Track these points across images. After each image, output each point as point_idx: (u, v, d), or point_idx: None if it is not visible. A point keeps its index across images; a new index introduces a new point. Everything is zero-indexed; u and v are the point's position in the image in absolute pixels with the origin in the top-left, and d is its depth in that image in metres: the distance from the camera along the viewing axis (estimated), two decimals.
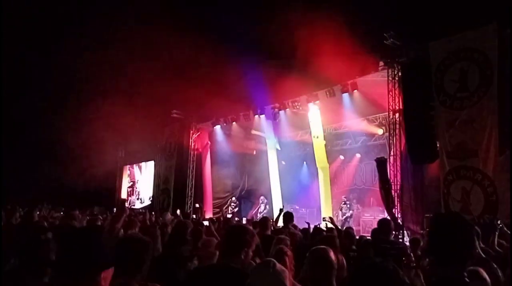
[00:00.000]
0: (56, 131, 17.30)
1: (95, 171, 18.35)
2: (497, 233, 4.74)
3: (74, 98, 17.42)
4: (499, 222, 5.05)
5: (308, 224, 7.03)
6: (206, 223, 7.71)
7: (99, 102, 16.33)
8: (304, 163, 17.04)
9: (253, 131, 16.04)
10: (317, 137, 13.71)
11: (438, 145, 9.31)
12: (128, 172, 22.37)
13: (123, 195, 22.03)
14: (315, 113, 13.51)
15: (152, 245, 2.35)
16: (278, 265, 1.79)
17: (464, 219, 1.93)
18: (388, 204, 10.10)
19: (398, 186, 10.57)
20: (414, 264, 3.55)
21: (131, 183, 22.09)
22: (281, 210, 7.40)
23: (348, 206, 13.62)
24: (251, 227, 2.94)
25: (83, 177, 17.68)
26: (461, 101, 8.76)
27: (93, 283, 1.65)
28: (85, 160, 17.99)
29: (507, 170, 8.20)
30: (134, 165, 21.98)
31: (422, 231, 10.17)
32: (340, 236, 5.19)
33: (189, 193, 17.46)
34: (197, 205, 15.83)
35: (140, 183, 21.46)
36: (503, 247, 4.80)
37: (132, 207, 20.23)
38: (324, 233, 5.78)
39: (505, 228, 5.12)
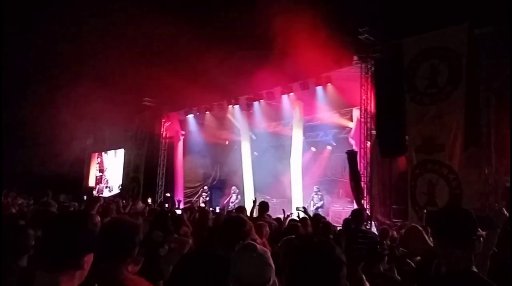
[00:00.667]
0: (22, 115, 16.65)
1: (62, 158, 17.84)
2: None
3: (43, 82, 16.76)
4: None
5: (284, 210, 7.13)
6: (178, 212, 7.68)
7: (68, 88, 15.82)
8: (277, 154, 17.19)
9: (229, 116, 15.98)
10: (297, 130, 13.96)
11: (407, 139, 9.62)
12: (97, 159, 21.86)
13: (91, 182, 21.56)
14: (297, 107, 13.66)
15: (141, 228, 2.34)
16: (259, 247, 1.79)
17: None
18: (357, 195, 10.37)
19: (368, 178, 10.88)
20: (388, 252, 3.69)
21: (100, 170, 21.62)
22: (254, 202, 7.47)
23: (319, 196, 13.88)
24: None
25: (50, 163, 17.12)
26: (430, 97, 9.06)
27: (77, 267, 1.65)
28: (52, 146, 17.44)
29: (471, 164, 8.60)
30: (103, 153, 21.50)
31: (389, 222, 10.56)
32: (316, 226, 5.33)
33: (160, 182, 17.30)
34: (168, 194, 15.71)
35: (109, 171, 21.03)
36: None
37: (101, 195, 19.84)
38: (298, 223, 5.90)
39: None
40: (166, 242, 3.86)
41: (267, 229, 3.82)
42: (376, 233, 7.12)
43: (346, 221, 5.92)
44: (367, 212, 10.32)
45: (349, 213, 6.20)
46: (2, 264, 2.38)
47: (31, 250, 2.48)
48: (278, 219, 6.84)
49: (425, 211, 7.64)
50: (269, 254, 1.76)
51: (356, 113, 12.32)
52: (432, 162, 8.90)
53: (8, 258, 2.40)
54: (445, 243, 1.89)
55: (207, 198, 16.86)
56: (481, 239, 2.03)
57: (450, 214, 2.02)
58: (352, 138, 12.82)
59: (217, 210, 12.88)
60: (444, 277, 1.79)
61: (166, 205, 12.58)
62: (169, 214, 4.20)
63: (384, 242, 4.51)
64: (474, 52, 8.63)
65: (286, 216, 6.96)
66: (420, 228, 3.84)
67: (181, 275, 1.78)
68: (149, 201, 13.02)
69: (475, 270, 1.83)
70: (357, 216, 5.36)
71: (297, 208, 8.10)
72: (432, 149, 8.96)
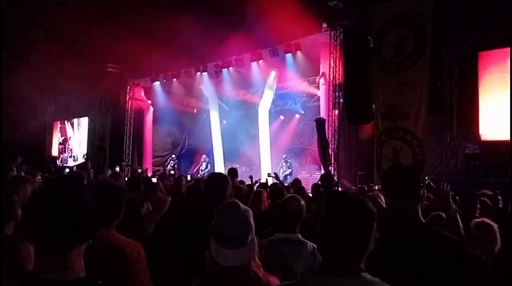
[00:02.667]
0: None
1: (22, 127, 17.07)
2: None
3: None
4: (426, 178, 5.55)
5: (251, 177, 7.23)
6: (154, 180, 7.62)
7: (28, 53, 14.97)
8: (245, 122, 17.20)
9: (197, 83, 15.72)
10: (267, 98, 13.95)
11: (373, 107, 9.83)
12: (60, 128, 21.12)
13: (54, 152, 20.90)
14: (271, 74, 13.60)
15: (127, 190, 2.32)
16: (242, 205, 1.82)
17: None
18: (325, 162, 10.60)
19: (335, 145, 11.12)
20: None
21: (63, 140, 20.93)
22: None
23: (288, 164, 14.11)
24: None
25: (9, 132, 16.37)
26: (396, 66, 9.22)
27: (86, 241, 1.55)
28: (9, 113, 16.62)
29: (434, 132, 8.95)
30: (66, 121, 20.76)
31: (354, 187, 10.92)
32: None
33: (126, 151, 16.99)
34: (139, 170, 15.48)
35: (73, 140, 20.40)
36: (429, 199, 5.32)
37: (65, 165, 19.31)
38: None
39: (431, 183, 5.64)
40: (146, 201, 3.86)
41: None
42: None
43: (314, 186, 6.06)
44: (334, 177, 10.63)
45: (317, 179, 6.35)
46: None
47: (18, 218, 2.37)
48: (248, 185, 6.94)
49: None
50: (251, 213, 1.79)
51: (324, 81, 12.41)
52: (397, 129, 9.17)
53: None
54: (394, 195, 2.09)
55: (175, 166, 16.77)
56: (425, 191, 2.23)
57: (395, 171, 2.31)
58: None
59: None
60: (392, 224, 1.91)
61: (139, 170, 12.46)
62: (141, 178, 4.17)
63: None
64: (439, 20, 8.79)
65: (254, 181, 7.06)
66: (375, 196, 3.99)
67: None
68: (117, 169, 12.80)
69: (422, 219, 2.04)
70: (326, 179, 5.49)
71: (268, 174, 8.23)
72: (397, 116, 9.21)
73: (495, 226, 3.15)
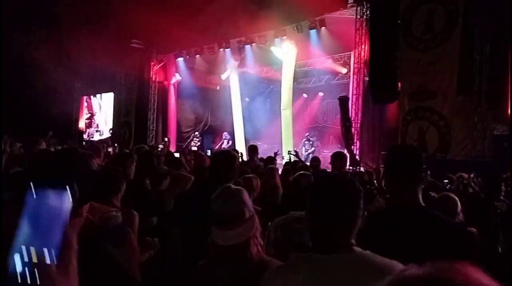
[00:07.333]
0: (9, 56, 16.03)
1: (50, 101, 17.48)
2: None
3: (26, 21, 16.01)
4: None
5: (275, 154, 7.25)
6: (177, 155, 7.73)
7: (54, 30, 15.19)
8: (268, 100, 17.10)
9: (220, 60, 15.62)
10: (287, 75, 13.70)
11: (399, 86, 9.59)
12: (86, 103, 21.55)
13: (81, 126, 21.40)
14: (290, 51, 13.31)
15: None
16: (234, 186, 1.89)
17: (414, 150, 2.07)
18: (347, 141, 10.48)
19: (359, 125, 10.95)
20: (376, 191, 3.80)
21: (89, 114, 21.38)
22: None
23: (311, 143, 14.04)
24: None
25: (36, 106, 16.79)
26: (425, 43, 8.92)
27: (77, 216, 1.61)
28: (38, 88, 17.01)
29: (462, 112, 8.67)
30: (92, 96, 21.15)
31: (377, 167, 10.79)
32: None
33: (151, 127, 17.25)
34: (166, 139, 15.70)
35: (99, 115, 20.81)
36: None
37: (91, 139, 19.79)
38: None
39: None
40: (168, 176, 3.94)
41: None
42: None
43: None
44: (357, 157, 10.51)
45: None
46: None
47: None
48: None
49: None
50: (244, 192, 1.84)
51: (350, 58, 12.14)
52: (424, 109, 8.96)
53: None
54: (393, 178, 1.99)
55: (198, 143, 16.93)
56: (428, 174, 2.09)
57: (396, 151, 2.17)
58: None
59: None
60: (391, 209, 1.87)
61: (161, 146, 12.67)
62: (153, 153, 4.25)
63: (374, 181, 4.63)
64: None
65: (274, 153, 7.16)
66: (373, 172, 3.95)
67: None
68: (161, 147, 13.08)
69: (422, 203, 1.93)
70: (338, 157, 5.42)
71: (288, 151, 8.21)
72: (424, 95, 8.98)
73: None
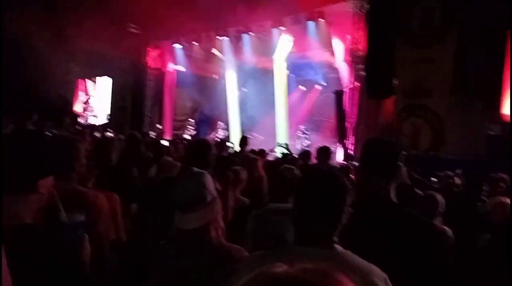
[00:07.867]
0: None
1: (46, 84, 17.32)
2: None
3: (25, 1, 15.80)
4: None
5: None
6: (166, 143, 7.69)
7: (51, 10, 14.99)
8: (265, 90, 16.98)
9: (213, 51, 15.49)
10: (281, 66, 13.58)
11: (394, 82, 9.52)
12: (82, 86, 21.38)
13: (78, 109, 21.27)
14: (286, 42, 13.16)
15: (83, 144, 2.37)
16: (196, 170, 1.91)
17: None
18: (341, 135, 10.45)
19: (354, 119, 10.90)
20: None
21: (86, 98, 21.24)
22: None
23: (306, 136, 14.02)
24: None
25: (33, 87, 16.63)
26: (422, 40, 8.86)
27: (30, 190, 1.56)
28: (34, 70, 16.84)
29: (456, 111, 8.65)
30: (88, 80, 20.98)
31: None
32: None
33: (147, 113, 17.18)
34: (160, 126, 15.62)
35: (95, 99, 20.69)
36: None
37: (86, 123, 19.68)
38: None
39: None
40: (155, 164, 3.92)
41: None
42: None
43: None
44: (351, 152, 10.48)
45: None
46: None
47: None
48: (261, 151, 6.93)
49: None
50: (206, 176, 1.86)
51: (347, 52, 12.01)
52: (418, 106, 8.93)
53: None
54: (367, 173, 1.95)
55: (194, 132, 16.86)
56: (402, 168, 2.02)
57: (371, 145, 2.06)
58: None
59: None
60: (360, 203, 1.83)
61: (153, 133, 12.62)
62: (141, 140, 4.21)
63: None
64: None
65: (269, 149, 7.10)
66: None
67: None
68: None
69: (394, 199, 1.88)
70: (322, 151, 5.39)
71: (279, 144, 8.18)
72: (419, 93, 8.95)
73: None
